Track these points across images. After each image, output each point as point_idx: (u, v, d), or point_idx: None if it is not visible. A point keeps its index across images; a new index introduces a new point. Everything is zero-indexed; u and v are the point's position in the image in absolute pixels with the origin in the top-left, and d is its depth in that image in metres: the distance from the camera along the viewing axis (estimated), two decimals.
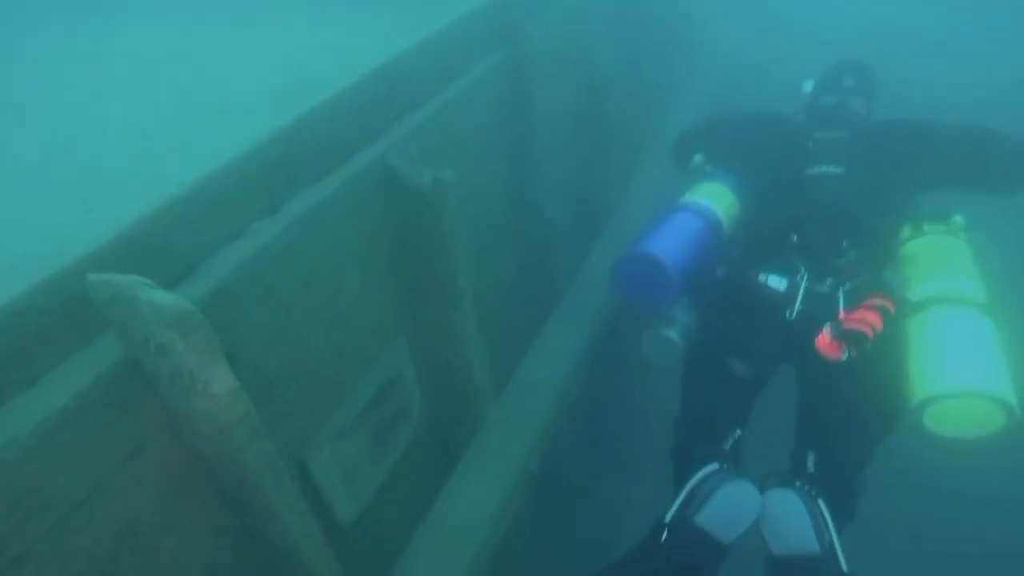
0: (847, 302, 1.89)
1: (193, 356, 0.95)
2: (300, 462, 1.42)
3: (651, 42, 3.51)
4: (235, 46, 1.76)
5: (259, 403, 1.27)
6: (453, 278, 1.62)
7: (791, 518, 1.64)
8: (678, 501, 1.75)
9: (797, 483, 1.76)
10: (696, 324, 2.14)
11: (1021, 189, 2.05)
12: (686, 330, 2.12)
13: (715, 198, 2.20)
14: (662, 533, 1.69)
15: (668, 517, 1.72)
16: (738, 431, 1.95)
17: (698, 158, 2.37)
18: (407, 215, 1.54)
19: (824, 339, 1.82)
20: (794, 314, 1.92)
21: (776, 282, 1.96)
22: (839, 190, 2.08)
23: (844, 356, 1.80)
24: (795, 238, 2.02)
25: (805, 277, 1.95)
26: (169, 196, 1.08)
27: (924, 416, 1.63)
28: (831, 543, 1.62)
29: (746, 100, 2.69)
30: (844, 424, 1.84)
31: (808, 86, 2.54)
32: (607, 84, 2.64)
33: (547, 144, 2.24)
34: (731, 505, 1.68)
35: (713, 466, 1.80)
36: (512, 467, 1.84)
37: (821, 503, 1.70)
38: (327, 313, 1.42)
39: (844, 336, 1.80)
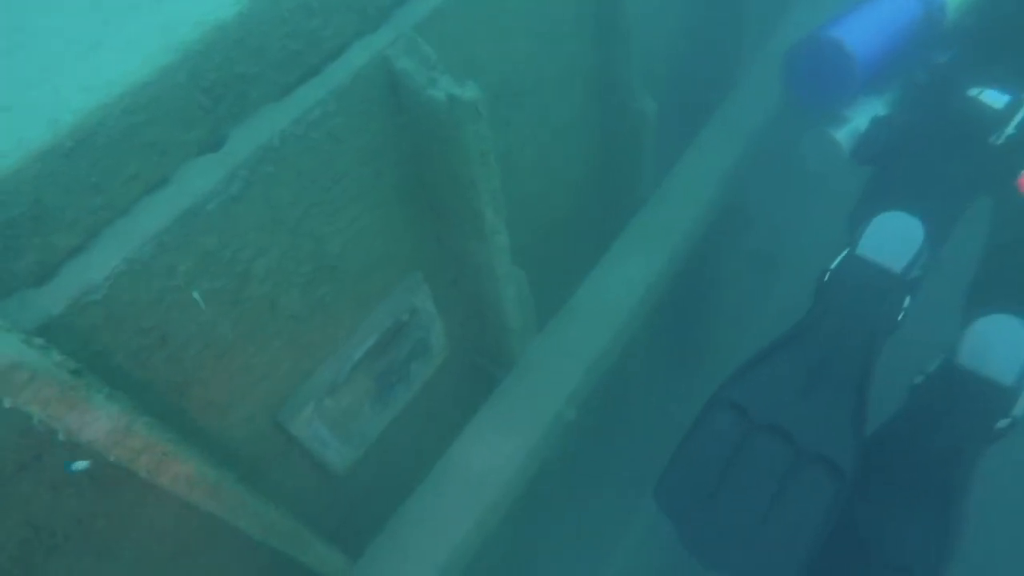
0: None
1: (38, 408, 0.70)
2: (277, 424, 1.23)
3: None
4: None
5: (211, 378, 1.07)
6: (480, 216, 1.25)
7: (1006, 344, 1.39)
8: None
9: None
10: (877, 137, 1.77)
11: None
12: (855, 133, 1.78)
13: None
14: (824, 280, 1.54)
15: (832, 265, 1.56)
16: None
17: None
18: (417, 139, 1.15)
19: None
20: (1002, 138, 1.58)
21: (993, 97, 1.60)
22: None
23: None
24: None
25: None
26: (37, 145, 0.77)
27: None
28: None
29: None
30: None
31: None
32: None
33: (646, 5, 1.66)
34: (889, 229, 1.54)
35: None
36: (543, 414, 1.59)
37: None
38: (305, 266, 1.13)
39: None
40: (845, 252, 1.59)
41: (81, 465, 0.85)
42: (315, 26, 1.00)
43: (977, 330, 1.43)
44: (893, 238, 1.53)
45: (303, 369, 1.24)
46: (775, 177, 2.59)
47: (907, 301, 1.52)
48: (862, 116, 1.77)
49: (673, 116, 2.03)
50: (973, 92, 1.62)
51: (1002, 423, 1.34)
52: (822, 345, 1.43)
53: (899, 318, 1.49)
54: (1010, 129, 1.57)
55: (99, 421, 0.76)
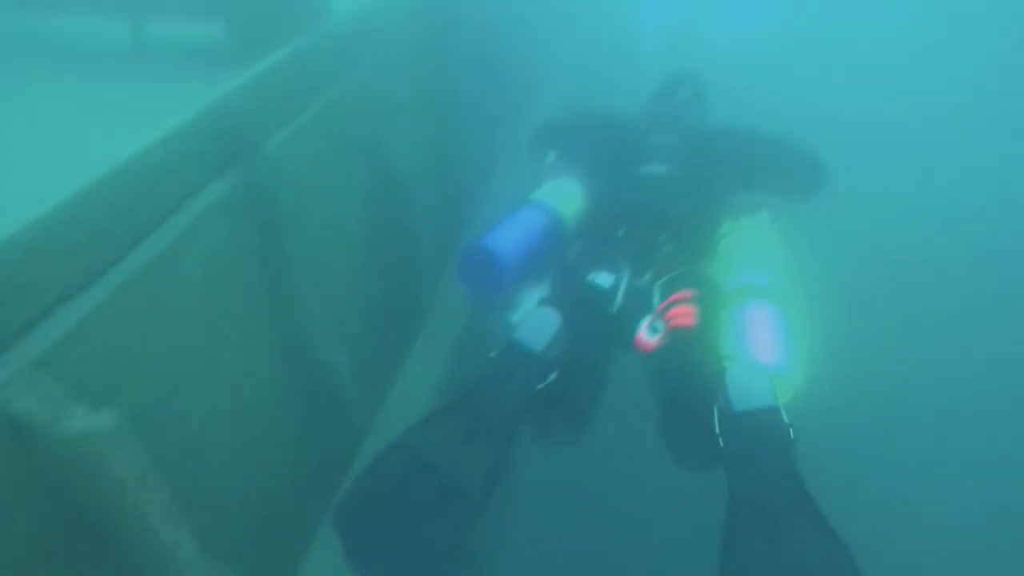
0: (663, 295, 2.10)
1: None
2: None
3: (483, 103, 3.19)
4: None
5: None
6: (152, 536, 1.12)
7: (751, 378, 1.77)
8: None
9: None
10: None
11: (807, 196, 2.38)
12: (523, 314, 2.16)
13: (560, 196, 2.34)
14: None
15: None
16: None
17: (550, 157, 2.55)
18: (57, 477, 1.03)
19: (640, 335, 2.03)
20: (616, 308, 2.10)
21: (603, 279, 2.13)
22: (662, 187, 2.34)
23: (656, 348, 2.01)
24: (620, 233, 2.23)
25: (627, 272, 2.14)
26: None
27: (729, 369, 1.80)
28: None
29: (593, 103, 2.83)
30: (677, 389, 2.00)
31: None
32: (405, 181, 2.24)
33: (320, 273, 1.80)
34: (535, 319, 1.96)
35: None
36: None
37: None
38: None
39: (668, 334, 2.01)
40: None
41: None
42: None
43: (730, 381, 1.77)
44: (537, 326, 1.94)
45: None
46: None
47: (550, 377, 1.90)
48: (528, 301, 2.18)
49: (372, 359, 2.14)
50: (590, 276, 2.16)
51: (793, 434, 1.68)
52: (480, 405, 1.77)
53: (539, 387, 1.87)
54: (618, 301, 2.10)
55: None
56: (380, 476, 1.65)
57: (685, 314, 2.05)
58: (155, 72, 1.90)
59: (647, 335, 2.04)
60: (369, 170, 2.16)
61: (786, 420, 1.70)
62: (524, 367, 1.86)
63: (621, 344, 2.12)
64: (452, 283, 2.58)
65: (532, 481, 3.04)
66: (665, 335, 2.03)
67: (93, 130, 1.60)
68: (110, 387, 1.13)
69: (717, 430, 1.72)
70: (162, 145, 1.32)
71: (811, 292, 2.09)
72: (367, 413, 2.03)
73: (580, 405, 2.08)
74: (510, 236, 2.15)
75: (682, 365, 2.02)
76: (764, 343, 1.87)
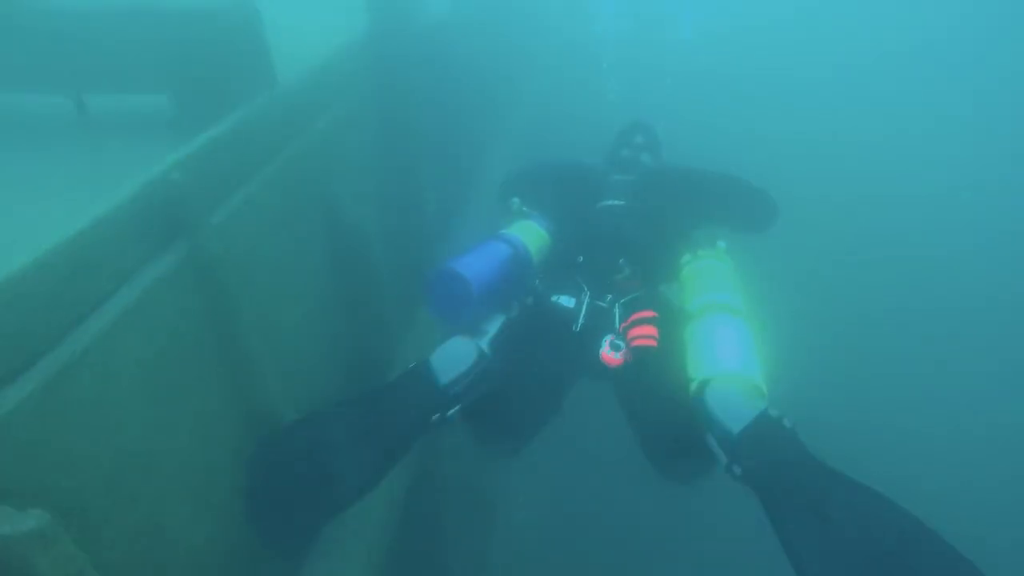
0: (623, 315, 2.26)
1: None
2: None
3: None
4: None
5: None
6: None
7: (734, 394, 1.81)
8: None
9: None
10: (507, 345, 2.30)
11: (761, 229, 2.55)
12: (491, 341, 2.24)
13: (525, 232, 2.49)
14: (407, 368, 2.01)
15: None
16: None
17: (515, 201, 2.72)
18: None
19: (604, 352, 2.18)
20: (579, 327, 2.25)
21: (566, 300, 2.31)
22: (619, 217, 2.53)
23: (621, 363, 2.15)
24: (581, 258, 2.40)
25: (588, 294, 2.30)
26: None
27: (705, 393, 1.84)
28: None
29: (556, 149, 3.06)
30: (651, 408, 2.12)
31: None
32: (364, 237, 2.23)
33: (277, 340, 1.77)
34: (451, 350, 2.03)
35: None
36: None
37: None
38: None
39: (630, 351, 2.16)
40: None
41: None
42: None
43: (715, 407, 1.79)
44: (451, 358, 2.00)
45: None
46: None
47: (452, 410, 1.94)
48: (495, 326, 2.27)
49: None
50: (554, 298, 2.32)
51: (788, 422, 1.74)
52: (382, 412, 1.88)
53: (434, 418, 1.91)
54: (581, 319, 2.25)
55: None
56: (286, 441, 1.81)
57: (648, 335, 2.18)
58: (100, 144, 1.88)
59: (610, 351, 2.18)
60: (325, 230, 2.15)
61: (776, 414, 1.77)
62: (423, 397, 1.93)
63: (585, 360, 2.23)
64: (416, 337, 2.57)
65: (509, 488, 3.33)
66: (628, 352, 2.17)
67: (36, 205, 1.57)
68: (41, 482, 1.08)
69: (725, 461, 1.75)
70: (100, 223, 1.28)
71: (769, 313, 2.20)
72: None
73: (538, 418, 2.18)
74: (477, 261, 2.23)
75: (649, 384, 2.12)
76: (729, 350, 1.95)
